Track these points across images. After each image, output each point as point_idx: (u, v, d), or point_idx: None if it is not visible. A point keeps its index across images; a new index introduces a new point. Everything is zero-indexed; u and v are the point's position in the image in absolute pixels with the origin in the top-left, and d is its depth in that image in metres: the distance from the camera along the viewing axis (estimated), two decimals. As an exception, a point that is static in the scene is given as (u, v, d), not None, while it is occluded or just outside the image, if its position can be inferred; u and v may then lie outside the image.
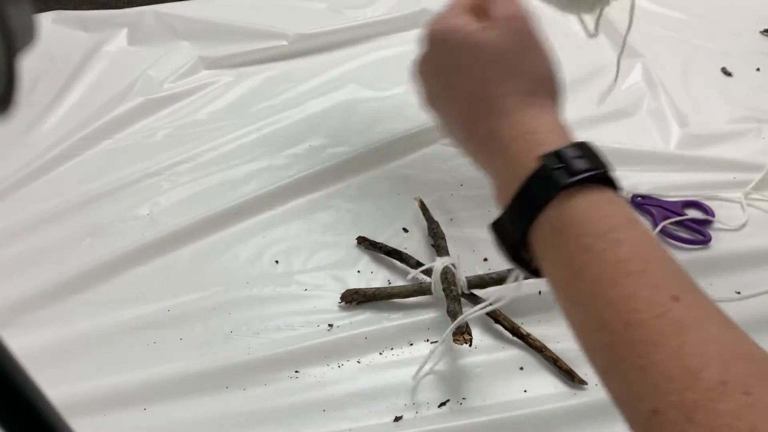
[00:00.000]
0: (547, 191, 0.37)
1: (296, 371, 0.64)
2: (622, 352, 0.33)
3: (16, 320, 0.69)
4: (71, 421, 0.32)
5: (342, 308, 0.69)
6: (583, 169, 0.37)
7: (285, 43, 1.06)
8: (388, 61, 1.04)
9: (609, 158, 0.78)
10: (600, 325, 0.34)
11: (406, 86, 0.99)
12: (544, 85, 0.44)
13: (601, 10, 0.71)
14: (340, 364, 0.64)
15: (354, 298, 0.69)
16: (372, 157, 0.86)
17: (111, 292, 0.72)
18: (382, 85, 1.00)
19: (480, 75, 0.43)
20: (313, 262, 0.75)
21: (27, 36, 0.23)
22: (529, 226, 0.38)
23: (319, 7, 1.14)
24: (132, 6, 1.16)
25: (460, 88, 0.44)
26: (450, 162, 0.86)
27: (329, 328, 0.67)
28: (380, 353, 0.65)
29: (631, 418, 0.33)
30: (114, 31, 1.10)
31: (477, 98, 0.43)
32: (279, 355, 0.64)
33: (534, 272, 0.41)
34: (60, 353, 0.66)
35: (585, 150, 0.39)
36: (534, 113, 0.42)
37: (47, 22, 1.12)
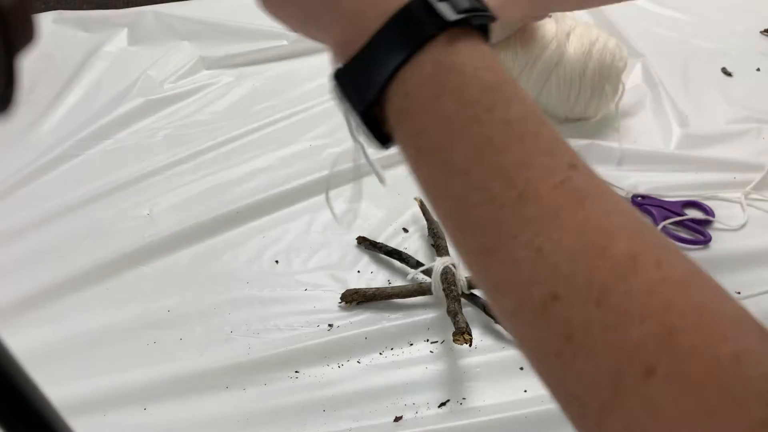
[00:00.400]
0: (423, 30, 0.30)
1: (296, 371, 0.64)
2: (512, 228, 0.27)
3: (16, 320, 0.69)
4: (71, 420, 0.32)
5: (342, 308, 0.69)
6: (471, 8, 0.31)
7: (285, 43, 1.06)
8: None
9: (611, 159, 0.79)
10: (484, 198, 0.28)
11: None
12: None
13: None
14: (340, 364, 0.64)
15: (354, 298, 0.69)
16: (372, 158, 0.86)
17: (111, 292, 0.72)
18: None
19: None
20: (313, 262, 0.75)
21: (27, 36, 0.23)
22: (398, 69, 0.30)
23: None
24: (132, 6, 1.16)
25: None
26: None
27: (329, 328, 0.67)
28: (380, 353, 0.65)
29: (519, 310, 0.28)
30: (114, 31, 1.10)
31: None
32: (279, 355, 0.64)
33: (382, 139, 0.34)
34: (60, 353, 0.66)
35: None
36: None
37: (47, 22, 1.12)
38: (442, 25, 0.30)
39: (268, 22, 1.12)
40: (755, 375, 0.23)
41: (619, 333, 0.25)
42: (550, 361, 0.28)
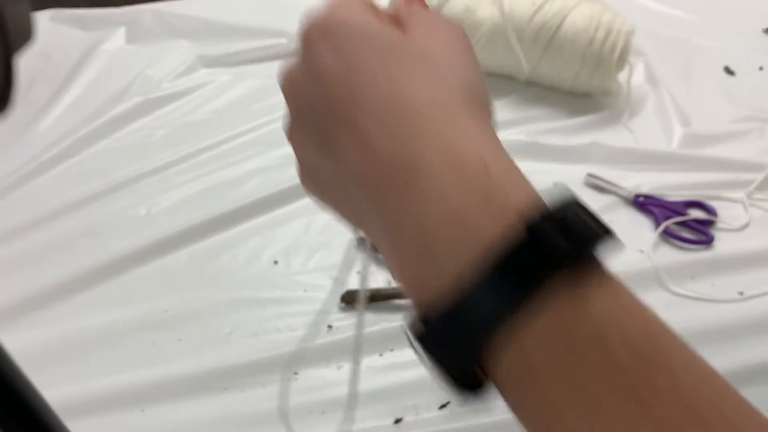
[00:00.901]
0: (539, 266, 0.23)
1: (295, 373, 0.64)
2: None
3: (14, 321, 0.68)
4: (68, 422, 0.32)
5: (342, 309, 0.69)
6: (590, 234, 0.24)
7: (284, 41, 1.06)
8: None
9: (613, 158, 0.78)
10: None
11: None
12: (480, 95, 0.29)
13: None
14: (339, 366, 0.64)
15: (354, 299, 0.68)
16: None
17: (109, 293, 0.72)
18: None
19: (393, 74, 0.27)
20: (312, 262, 0.74)
21: (25, 34, 0.23)
22: (503, 321, 0.23)
23: (318, 6, 1.14)
24: (130, 4, 1.15)
25: (361, 94, 0.27)
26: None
27: (329, 329, 0.67)
28: (380, 354, 0.65)
29: None
30: (112, 30, 1.09)
31: (387, 108, 0.27)
32: (278, 356, 0.64)
33: (476, 391, 0.25)
34: (58, 353, 0.66)
35: (576, 206, 0.25)
36: (478, 133, 0.26)
37: (45, 20, 1.11)
38: (557, 263, 0.23)
39: (267, 21, 1.12)
40: None
41: None
42: None
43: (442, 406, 0.60)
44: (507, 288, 0.23)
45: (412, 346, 0.27)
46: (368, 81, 0.27)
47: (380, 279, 0.72)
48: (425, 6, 0.32)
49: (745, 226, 0.77)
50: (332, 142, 0.28)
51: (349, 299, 0.68)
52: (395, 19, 0.31)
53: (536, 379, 0.23)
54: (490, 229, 0.23)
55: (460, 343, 0.24)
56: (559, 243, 0.23)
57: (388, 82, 0.27)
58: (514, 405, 0.25)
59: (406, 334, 0.27)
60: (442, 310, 0.24)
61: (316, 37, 0.29)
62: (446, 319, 0.24)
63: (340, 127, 0.27)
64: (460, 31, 0.31)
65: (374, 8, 0.31)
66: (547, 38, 0.89)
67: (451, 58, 0.29)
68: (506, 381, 0.24)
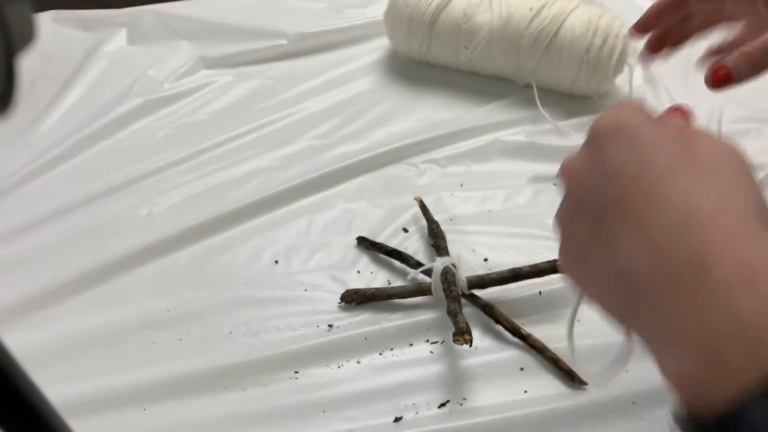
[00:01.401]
0: None
1: (296, 372, 0.64)
2: None
3: (14, 320, 0.69)
4: (70, 421, 0.32)
5: (342, 308, 0.69)
6: None
7: (285, 42, 1.06)
8: (388, 61, 1.04)
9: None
10: None
11: (406, 86, 1.00)
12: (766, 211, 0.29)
13: None
14: (339, 365, 0.64)
15: (354, 299, 0.69)
16: (372, 157, 0.86)
17: (110, 292, 0.72)
18: (383, 84, 1.00)
19: (684, 180, 0.28)
20: (312, 262, 0.75)
21: (26, 35, 0.23)
22: None
23: (319, 7, 1.14)
24: (131, 5, 1.16)
25: (651, 198, 0.28)
26: (450, 163, 0.86)
27: (329, 328, 0.67)
28: (380, 354, 0.65)
29: None
30: (113, 31, 1.10)
31: (678, 210, 0.27)
32: (279, 355, 0.64)
33: None
34: (59, 353, 0.66)
35: None
36: None
37: (46, 21, 1.12)
38: None
39: (268, 22, 1.13)
40: None
41: None
42: None
43: (442, 405, 0.61)
44: None
45: None
46: (660, 183, 0.28)
47: (380, 279, 0.73)
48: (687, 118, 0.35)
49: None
50: (613, 234, 0.29)
51: (349, 299, 0.69)
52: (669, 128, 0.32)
53: None
54: None
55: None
56: None
57: (680, 187, 0.28)
58: None
59: (676, 426, 0.27)
60: (719, 417, 0.24)
61: (609, 134, 0.31)
62: (723, 424, 0.24)
63: (626, 222, 0.28)
64: (739, 150, 0.31)
65: (652, 117, 0.33)
66: (544, 44, 0.90)
67: (738, 173, 0.29)
68: None
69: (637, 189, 0.29)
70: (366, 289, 0.69)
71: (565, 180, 0.34)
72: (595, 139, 0.32)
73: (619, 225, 0.29)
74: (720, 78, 0.41)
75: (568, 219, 0.33)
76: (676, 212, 0.27)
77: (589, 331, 0.64)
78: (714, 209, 0.27)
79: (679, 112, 0.35)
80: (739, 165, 0.30)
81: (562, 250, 0.34)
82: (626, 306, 0.30)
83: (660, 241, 0.27)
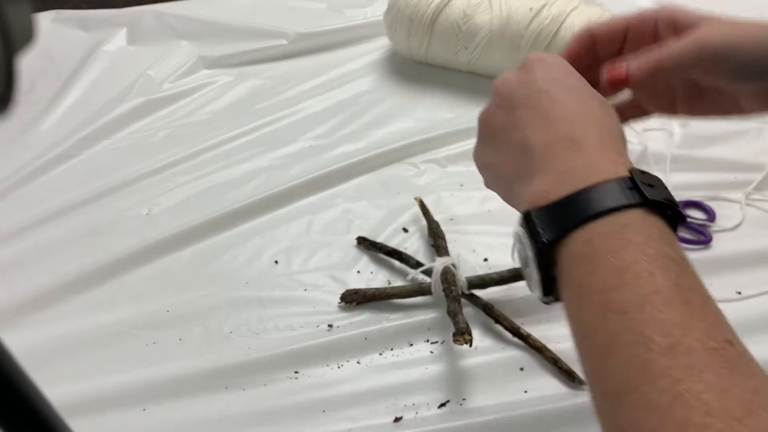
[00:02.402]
0: (625, 197, 0.36)
1: (296, 371, 0.64)
2: (654, 373, 0.29)
3: (16, 320, 0.69)
4: (70, 421, 0.32)
5: (342, 308, 0.69)
6: (669, 198, 0.37)
7: (285, 42, 1.06)
8: (388, 61, 1.04)
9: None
10: (635, 340, 0.30)
11: (406, 86, 1.00)
12: (612, 119, 0.43)
13: None
14: (339, 365, 0.64)
15: (354, 299, 0.69)
16: (372, 157, 0.86)
17: (111, 292, 0.72)
18: (383, 84, 1.00)
19: (574, 96, 0.43)
20: (312, 262, 0.75)
21: (26, 35, 0.23)
22: (585, 223, 0.35)
23: (319, 7, 1.14)
24: (131, 5, 1.16)
25: (555, 98, 0.42)
26: (450, 163, 0.86)
27: (329, 328, 0.67)
28: (380, 353, 0.65)
29: None
30: (113, 31, 1.10)
31: (575, 112, 0.42)
32: (279, 355, 0.64)
33: (549, 283, 0.38)
34: (60, 353, 0.66)
35: (664, 186, 0.38)
36: (623, 150, 0.41)
37: (46, 21, 1.12)
38: (644, 201, 0.35)
39: (268, 22, 1.13)
40: None
41: None
42: None
43: (442, 405, 0.61)
44: (604, 200, 0.36)
45: (518, 233, 0.40)
46: (555, 93, 0.43)
47: (380, 279, 0.73)
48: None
49: (738, 225, 0.77)
50: (519, 120, 0.43)
51: (349, 299, 0.69)
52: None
53: (590, 259, 0.35)
54: (612, 171, 0.37)
55: (554, 222, 0.37)
56: (649, 192, 0.36)
57: (564, 97, 0.42)
58: (567, 285, 0.36)
59: (519, 222, 0.40)
60: (550, 201, 0.38)
61: (536, 60, 0.45)
62: (551, 206, 0.38)
63: (530, 113, 0.42)
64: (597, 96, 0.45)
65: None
66: (544, 44, 0.90)
67: (592, 95, 0.43)
68: (568, 263, 0.36)
69: (543, 93, 0.43)
70: (366, 289, 0.69)
71: (497, 87, 0.46)
72: (528, 62, 0.45)
73: (525, 114, 0.43)
74: (616, 78, 0.48)
75: (489, 114, 0.46)
76: (561, 110, 0.42)
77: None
78: (579, 111, 0.41)
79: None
80: (592, 92, 0.44)
81: (479, 137, 0.48)
82: (515, 166, 0.43)
83: (550, 124, 0.41)
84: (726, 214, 0.78)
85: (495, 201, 0.81)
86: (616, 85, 0.48)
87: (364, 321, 0.68)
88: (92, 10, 1.15)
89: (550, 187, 0.38)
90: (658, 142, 0.89)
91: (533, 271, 0.39)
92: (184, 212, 0.80)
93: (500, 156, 0.45)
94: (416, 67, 1.02)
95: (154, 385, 0.63)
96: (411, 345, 0.66)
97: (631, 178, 0.37)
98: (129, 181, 0.84)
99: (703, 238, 0.75)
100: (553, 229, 0.37)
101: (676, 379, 0.28)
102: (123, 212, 0.81)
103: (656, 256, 0.33)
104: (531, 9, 0.90)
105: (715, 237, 0.75)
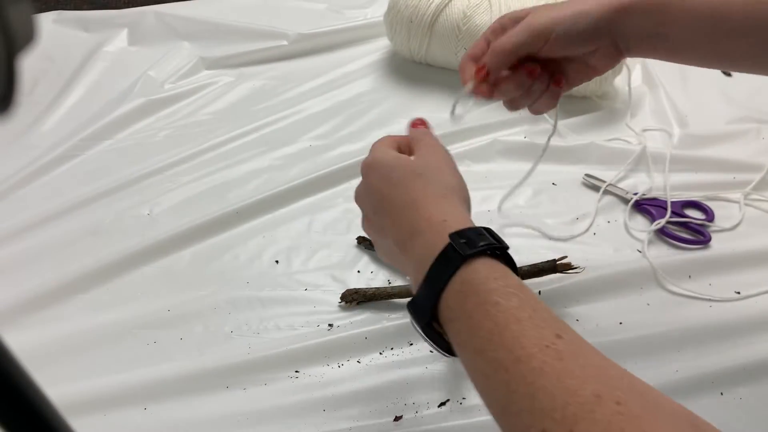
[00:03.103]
0: (454, 261, 0.43)
1: (296, 371, 0.64)
2: (515, 385, 0.36)
3: (16, 320, 0.69)
4: (71, 420, 0.32)
5: (342, 308, 0.69)
6: (482, 244, 0.43)
7: (285, 43, 1.06)
8: (388, 61, 1.04)
9: (610, 159, 0.79)
10: (496, 366, 0.38)
11: (406, 86, 1.00)
12: (456, 191, 0.50)
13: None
14: (340, 364, 0.65)
15: (354, 298, 0.69)
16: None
17: (111, 292, 0.72)
18: (383, 85, 1.00)
19: (407, 186, 0.50)
20: (313, 262, 0.75)
21: (27, 36, 0.23)
22: (440, 295, 0.43)
23: (319, 7, 1.15)
24: (132, 6, 1.16)
25: (391, 200, 0.50)
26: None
27: (329, 328, 0.67)
28: (380, 353, 0.65)
29: None
30: (114, 32, 1.10)
31: (405, 203, 0.49)
32: (279, 354, 0.65)
33: (446, 348, 0.45)
34: (61, 352, 0.66)
35: (486, 231, 0.45)
36: (447, 208, 0.48)
37: (47, 22, 1.12)
38: (464, 258, 0.43)
39: (269, 22, 1.13)
40: None
41: None
42: None
43: (442, 404, 0.61)
44: (441, 271, 0.43)
45: (410, 318, 0.47)
46: (394, 192, 0.50)
47: (380, 279, 0.73)
48: (425, 128, 0.58)
49: (737, 225, 0.77)
50: (382, 225, 0.51)
51: (349, 298, 0.69)
52: (409, 143, 0.55)
53: (454, 320, 0.42)
54: (439, 245, 0.44)
55: (424, 303, 0.44)
56: (463, 249, 0.43)
57: (404, 191, 0.49)
58: (454, 344, 0.43)
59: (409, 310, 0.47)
60: (416, 287, 0.46)
61: (366, 170, 0.53)
62: (418, 291, 0.45)
63: (386, 218, 0.50)
64: (445, 151, 0.54)
65: (396, 142, 0.55)
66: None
67: (440, 170, 0.51)
68: (446, 328, 0.43)
69: (385, 200, 0.50)
70: (366, 288, 0.70)
71: (356, 200, 0.55)
72: (363, 172, 0.53)
73: (384, 220, 0.50)
74: (481, 73, 0.57)
75: (366, 223, 0.55)
76: (402, 207, 0.49)
77: (589, 330, 0.65)
78: (419, 199, 0.48)
79: (420, 123, 0.59)
80: (443, 163, 0.52)
81: (363, 227, 0.55)
82: (392, 254, 0.51)
83: (396, 224, 0.49)
84: (725, 214, 0.78)
85: (495, 201, 0.82)
86: (485, 78, 0.58)
87: (365, 320, 0.68)
88: (93, 10, 1.15)
89: (414, 279, 0.47)
90: (657, 142, 0.89)
91: (428, 343, 0.46)
92: (185, 212, 0.80)
93: (379, 249, 0.55)
94: (416, 67, 1.03)
95: (155, 385, 0.63)
96: (411, 344, 0.66)
97: (450, 245, 0.44)
98: (130, 182, 0.84)
99: (702, 237, 0.75)
100: (425, 310, 0.44)
101: (529, 382, 0.36)
102: (124, 212, 0.81)
103: (486, 295, 0.41)
104: None
105: (714, 237, 0.75)
